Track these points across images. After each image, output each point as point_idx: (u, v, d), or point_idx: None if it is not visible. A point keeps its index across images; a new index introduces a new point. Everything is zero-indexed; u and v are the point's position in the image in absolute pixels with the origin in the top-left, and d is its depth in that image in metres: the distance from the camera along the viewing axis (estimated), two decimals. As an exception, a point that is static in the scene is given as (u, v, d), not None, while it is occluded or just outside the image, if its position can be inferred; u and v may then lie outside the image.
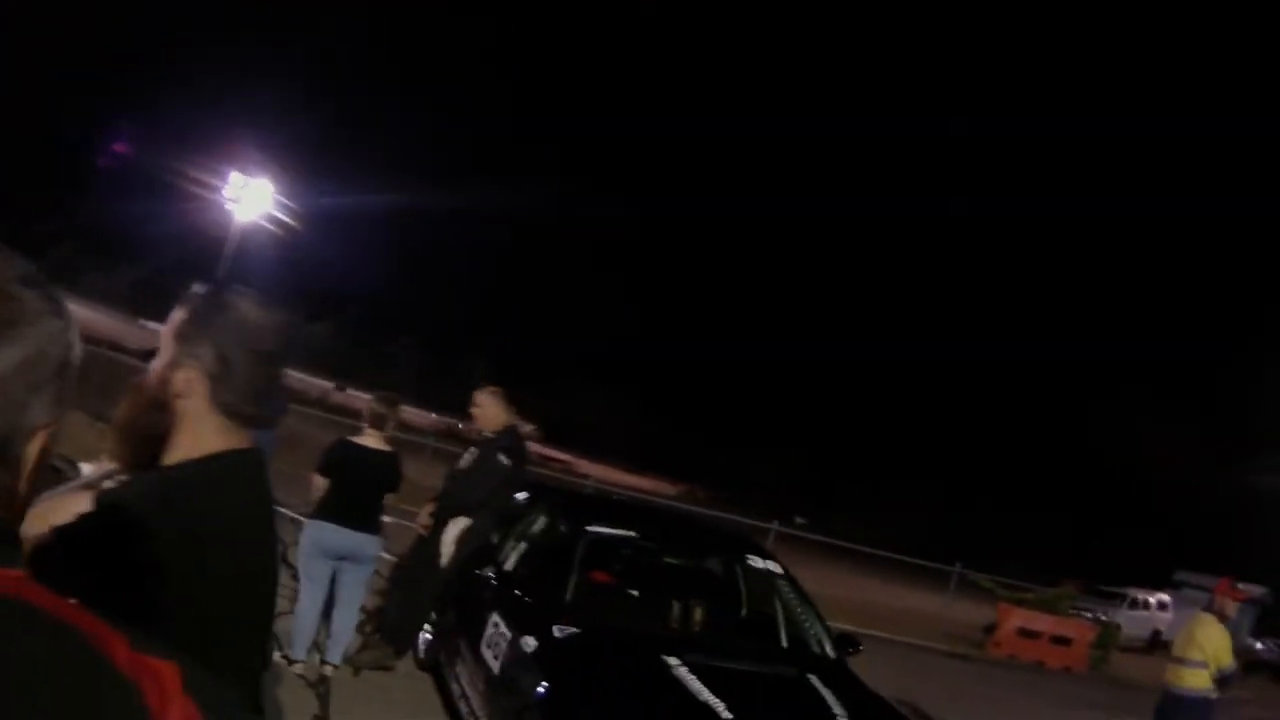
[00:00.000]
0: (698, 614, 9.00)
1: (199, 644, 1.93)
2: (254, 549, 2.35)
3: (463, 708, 8.14)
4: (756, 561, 9.32)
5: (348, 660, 9.14)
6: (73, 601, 1.14)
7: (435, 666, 9.57)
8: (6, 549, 1.17)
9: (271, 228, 47.38)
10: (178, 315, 2.41)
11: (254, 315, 2.45)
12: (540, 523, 9.52)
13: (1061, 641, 24.35)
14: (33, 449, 1.22)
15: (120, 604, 1.80)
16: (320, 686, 8.58)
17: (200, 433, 2.35)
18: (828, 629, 8.70)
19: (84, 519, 2.04)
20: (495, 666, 7.44)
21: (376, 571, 9.38)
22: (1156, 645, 38.75)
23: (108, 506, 2.09)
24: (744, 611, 9.47)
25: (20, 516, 1.25)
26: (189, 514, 2.14)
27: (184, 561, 2.04)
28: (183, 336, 2.38)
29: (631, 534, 9.35)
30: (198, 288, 2.46)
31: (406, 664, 9.73)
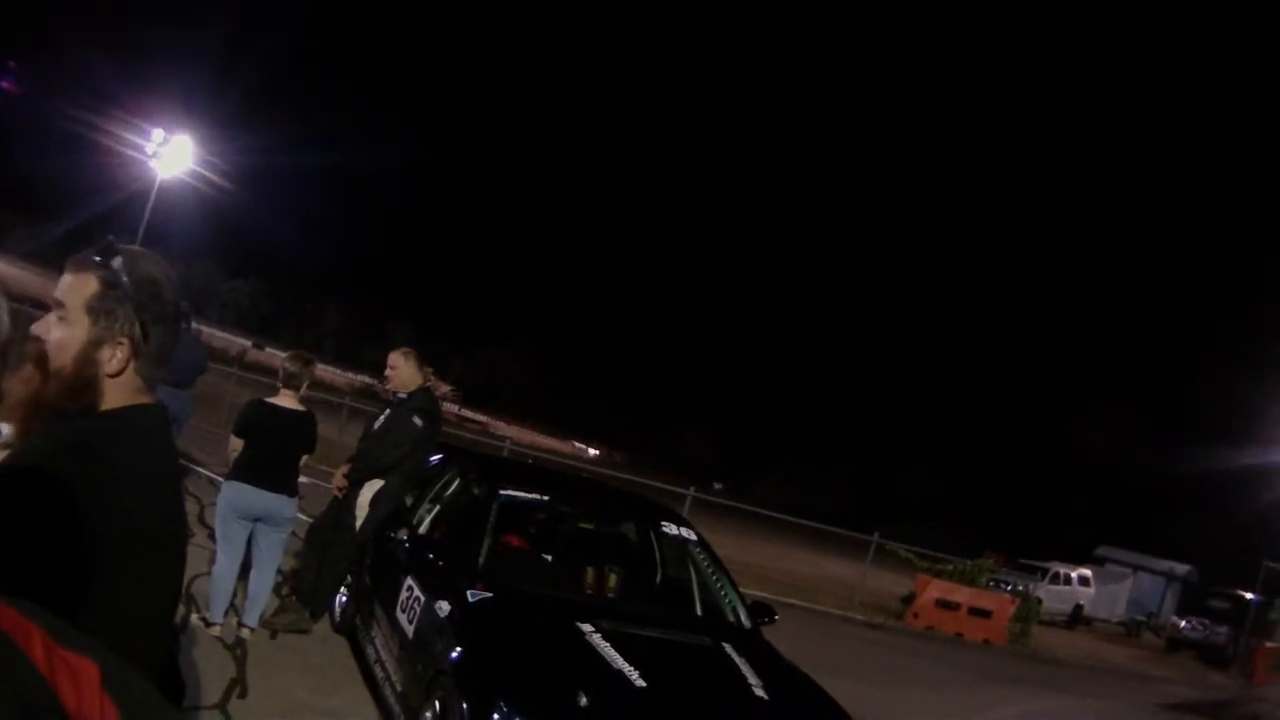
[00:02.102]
0: (612, 580, 9.04)
1: (110, 600, 1.93)
2: (162, 503, 2.32)
3: (378, 671, 8.15)
4: (671, 528, 9.33)
5: (264, 623, 9.09)
6: None
7: (351, 630, 9.56)
8: None
9: (194, 184, 47.17)
10: (85, 285, 2.33)
11: (162, 277, 2.42)
12: (454, 486, 9.54)
13: (981, 614, 24.49)
14: None
15: (29, 563, 1.77)
16: (237, 649, 8.53)
17: (113, 397, 2.33)
18: (742, 598, 8.75)
19: None
20: (409, 630, 7.46)
21: (293, 533, 9.30)
22: (1078, 620, 39.25)
23: (13, 463, 2.07)
24: (659, 578, 9.49)
25: None
26: (97, 467, 2.12)
27: (93, 516, 2.01)
28: (100, 310, 2.32)
29: (545, 498, 9.33)
30: (89, 251, 2.38)
31: (323, 627, 9.71)
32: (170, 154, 44.32)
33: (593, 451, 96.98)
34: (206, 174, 46.87)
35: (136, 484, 2.20)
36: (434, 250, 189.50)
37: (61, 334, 2.30)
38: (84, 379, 2.29)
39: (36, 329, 2.30)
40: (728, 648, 7.61)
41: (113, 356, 2.32)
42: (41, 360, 2.26)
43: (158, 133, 44.27)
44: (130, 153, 46.09)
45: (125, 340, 2.33)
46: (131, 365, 2.35)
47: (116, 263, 2.34)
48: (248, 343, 78.18)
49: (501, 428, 77.59)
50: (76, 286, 2.33)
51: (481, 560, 7.81)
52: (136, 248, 2.46)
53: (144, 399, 2.39)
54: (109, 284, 2.33)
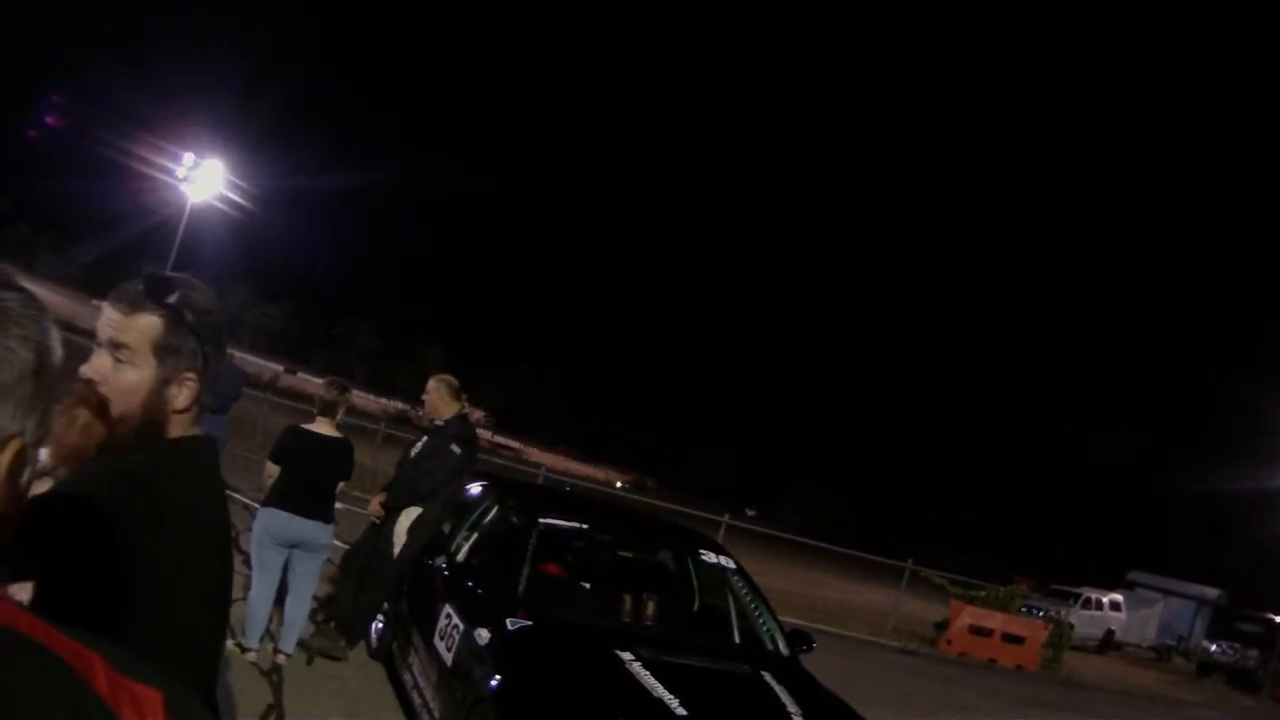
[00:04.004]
0: (650, 608, 8.97)
1: (156, 632, 1.90)
2: (210, 536, 2.29)
3: (415, 699, 8.12)
4: (710, 556, 9.31)
5: (301, 648, 9.08)
6: (47, 623, 1.08)
7: (387, 656, 9.54)
8: None
9: (224, 208, 47.33)
10: (149, 326, 2.26)
11: (215, 306, 2.39)
12: (493, 513, 9.52)
13: (1014, 640, 24.43)
14: (2, 461, 1.13)
15: (78, 593, 1.74)
16: (273, 675, 8.53)
17: (172, 429, 2.30)
18: (781, 625, 8.71)
19: (40, 505, 1.94)
20: (448, 658, 7.44)
21: (328, 559, 9.29)
22: (1109, 645, 39.04)
23: (64, 492, 2.03)
24: (697, 606, 9.48)
25: (5, 533, 1.17)
26: (148, 499, 2.08)
27: (142, 547, 1.99)
28: (167, 349, 2.27)
29: (584, 526, 9.31)
30: (136, 286, 2.30)
31: (359, 653, 9.71)
32: (201, 178, 44.41)
33: (622, 480, 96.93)
34: (236, 198, 47.04)
35: (186, 516, 2.17)
36: (461, 274, 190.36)
37: (128, 378, 2.24)
38: (153, 420, 2.26)
39: (88, 372, 2.23)
40: (767, 676, 7.56)
41: (180, 393, 2.29)
42: (101, 406, 2.20)
43: (188, 157, 44.27)
44: (161, 177, 46.36)
45: (193, 376, 2.31)
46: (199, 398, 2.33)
47: (173, 298, 2.29)
48: (280, 367, 78.46)
49: (534, 454, 77.83)
50: (140, 328, 2.26)
51: (521, 588, 7.79)
52: (183, 277, 2.41)
53: (195, 430, 2.37)
54: (173, 322, 2.28)
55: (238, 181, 46.78)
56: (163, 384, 2.26)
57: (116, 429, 2.20)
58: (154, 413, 2.25)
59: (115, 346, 2.24)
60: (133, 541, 1.98)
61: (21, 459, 1.15)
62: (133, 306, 2.26)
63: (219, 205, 46.62)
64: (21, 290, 1.15)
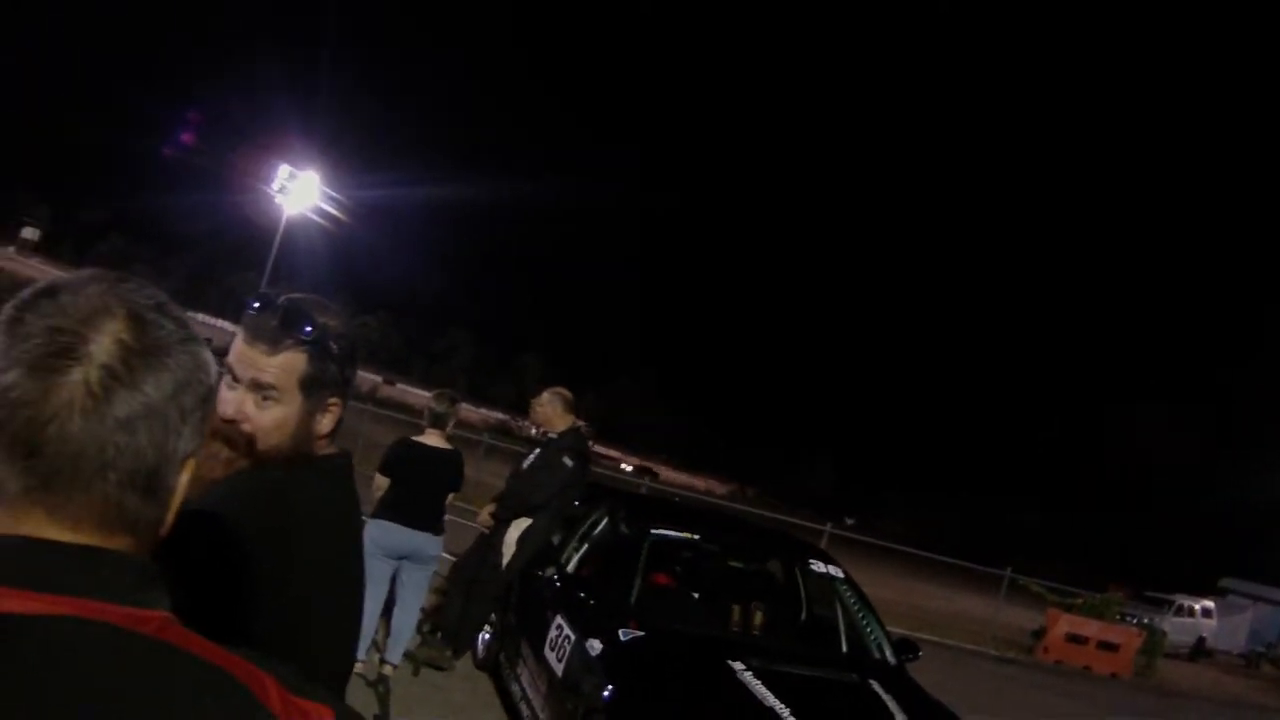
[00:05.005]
0: (759, 618, 8.99)
1: (294, 641, 1.93)
2: (345, 553, 2.32)
3: (524, 710, 8.15)
4: (818, 565, 9.30)
5: (407, 659, 9.13)
6: (217, 644, 1.14)
7: (494, 667, 9.58)
8: (152, 588, 1.17)
9: (319, 220, 47.56)
10: (295, 363, 2.25)
11: (347, 327, 2.38)
12: (603, 525, 9.51)
13: (1108, 647, 24.24)
14: (183, 479, 1.22)
15: (219, 608, 1.80)
16: (380, 686, 8.58)
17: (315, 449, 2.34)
18: (888, 634, 8.69)
19: (181, 520, 2.00)
20: (559, 669, 7.45)
21: (435, 571, 9.36)
22: (1200, 652, 38.55)
23: (202, 509, 2.00)
24: (804, 615, 9.46)
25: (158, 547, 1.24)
26: (287, 517, 2.12)
27: (279, 565, 2.03)
28: (314, 382, 2.27)
29: (694, 537, 9.33)
30: (274, 320, 2.25)
31: (465, 664, 9.72)
32: (296, 190, 44.69)
33: (722, 488, 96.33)
34: (331, 210, 47.25)
35: (322, 534, 2.19)
36: (557, 285, 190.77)
37: (274, 415, 2.24)
38: (300, 449, 2.28)
39: (231, 412, 2.21)
40: (874, 685, 7.53)
41: (325, 420, 2.32)
42: (247, 443, 2.21)
43: (284, 169, 44.58)
44: (256, 188, 46.68)
45: (337, 401, 2.33)
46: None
47: (312, 330, 2.26)
48: (379, 378, 78.68)
49: (634, 463, 77.57)
50: (284, 367, 2.24)
51: (633, 599, 7.83)
52: (314, 299, 2.37)
53: (332, 448, 2.39)
54: (317, 355, 2.27)
55: (332, 193, 47.04)
56: (310, 415, 2.28)
57: (264, 460, 2.22)
58: (301, 442, 2.27)
59: (259, 387, 2.23)
60: (269, 560, 2.01)
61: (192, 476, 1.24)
62: (273, 345, 2.25)
63: (314, 217, 46.91)
64: (178, 316, 1.21)
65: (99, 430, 1.11)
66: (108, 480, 1.12)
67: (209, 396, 1.23)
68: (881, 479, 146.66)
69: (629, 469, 77.53)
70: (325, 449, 2.36)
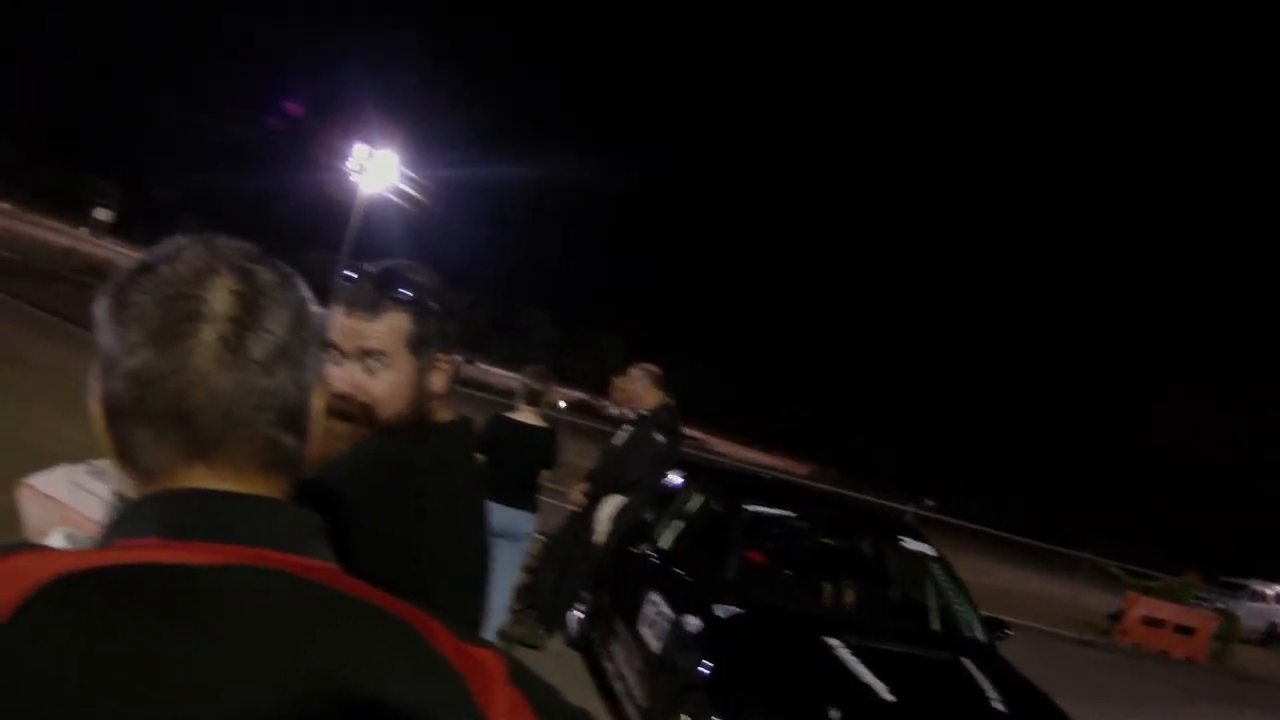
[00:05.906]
0: (851, 594, 9.04)
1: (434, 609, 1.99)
2: (472, 517, 2.36)
3: (618, 687, 8.22)
4: (910, 543, 9.33)
5: (500, 637, 9.10)
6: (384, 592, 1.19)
7: (586, 645, 9.64)
8: (319, 539, 1.23)
9: (396, 200, 47.71)
10: (399, 325, 2.27)
11: (436, 282, 2.40)
12: (697, 502, 9.53)
13: (1185, 631, 24.01)
14: (318, 405, 1.27)
15: (361, 573, 1.85)
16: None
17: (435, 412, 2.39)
18: (979, 613, 8.71)
19: (310, 490, 2.02)
20: (655, 645, 7.50)
21: (527, 549, 9.40)
22: (1273, 637, 38.19)
23: (333, 476, 2.02)
24: (895, 593, 9.45)
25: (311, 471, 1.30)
26: (412, 483, 2.15)
27: (410, 532, 2.06)
28: (420, 342, 2.29)
29: (788, 513, 9.41)
30: (367, 285, 2.29)
31: (556, 642, 9.78)
32: (374, 170, 44.85)
33: (803, 469, 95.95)
34: (410, 190, 47.39)
35: (452, 499, 2.23)
36: (636, 264, 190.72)
37: (388, 381, 2.26)
38: (419, 412, 2.31)
39: (343, 386, 2.23)
40: (966, 663, 7.60)
41: (438, 378, 2.35)
42: (365, 415, 2.24)
43: (361, 149, 44.82)
44: (334, 167, 46.90)
45: (447, 359, 2.37)
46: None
47: (409, 288, 2.30)
48: (459, 357, 79.19)
49: (716, 443, 77.40)
50: (389, 329, 2.27)
51: (730, 575, 7.85)
52: (400, 262, 2.41)
53: (450, 412, 2.42)
54: (418, 312, 2.30)
55: (409, 173, 47.21)
56: (421, 376, 2.30)
57: (387, 429, 2.25)
58: (419, 405, 2.30)
59: (367, 355, 2.25)
60: (406, 522, 2.06)
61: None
62: (373, 311, 2.26)
63: (392, 197, 47.09)
64: (274, 264, 1.25)
65: (244, 378, 1.16)
66: (262, 424, 1.19)
67: (320, 323, 1.28)
68: (964, 462, 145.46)
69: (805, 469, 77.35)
70: (442, 410, 2.40)
